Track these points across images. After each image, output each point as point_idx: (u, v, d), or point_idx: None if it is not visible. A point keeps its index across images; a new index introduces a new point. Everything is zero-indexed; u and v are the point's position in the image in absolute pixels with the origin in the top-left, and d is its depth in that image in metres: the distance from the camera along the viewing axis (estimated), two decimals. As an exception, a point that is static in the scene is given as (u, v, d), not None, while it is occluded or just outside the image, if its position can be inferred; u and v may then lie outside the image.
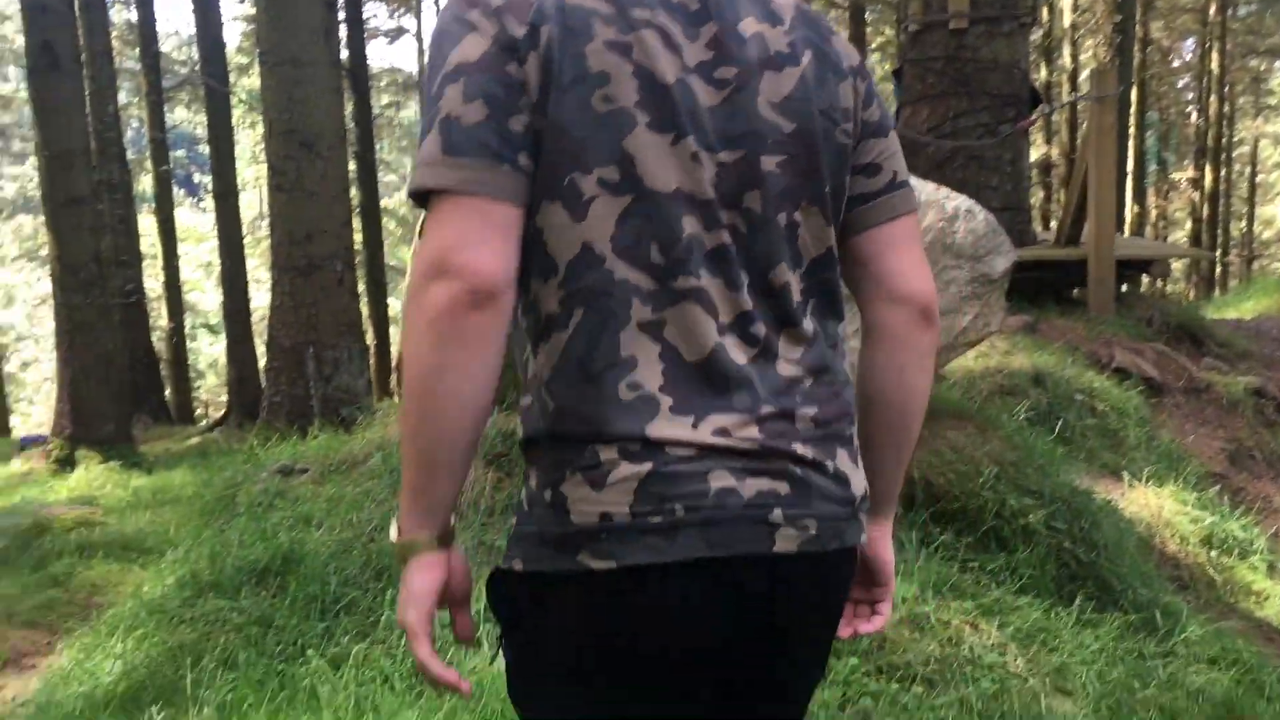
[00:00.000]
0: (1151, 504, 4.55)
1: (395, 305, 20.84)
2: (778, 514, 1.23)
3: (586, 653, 1.25)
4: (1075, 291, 7.56)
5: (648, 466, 1.20)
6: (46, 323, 29.01)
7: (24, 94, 21.79)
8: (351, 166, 17.44)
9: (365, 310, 18.48)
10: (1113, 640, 3.29)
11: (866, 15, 23.51)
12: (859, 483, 1.32)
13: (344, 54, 16.95)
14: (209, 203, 27.47)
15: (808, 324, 1.31)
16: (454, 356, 1.19)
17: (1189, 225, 28.23)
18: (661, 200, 1.23)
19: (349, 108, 17.17)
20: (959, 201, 3.93)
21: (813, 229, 1.32)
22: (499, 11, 1.24)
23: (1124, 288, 7.95)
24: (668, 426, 1.21)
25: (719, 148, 1.26)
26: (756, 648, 1.28)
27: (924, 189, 3.94)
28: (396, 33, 28.10)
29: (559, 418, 1.24)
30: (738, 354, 1.25)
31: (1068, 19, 20.56)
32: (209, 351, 34.42)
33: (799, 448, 1.25)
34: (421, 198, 1.23)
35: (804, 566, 1.26)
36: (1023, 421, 4.70)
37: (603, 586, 1.21)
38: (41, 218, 15.61)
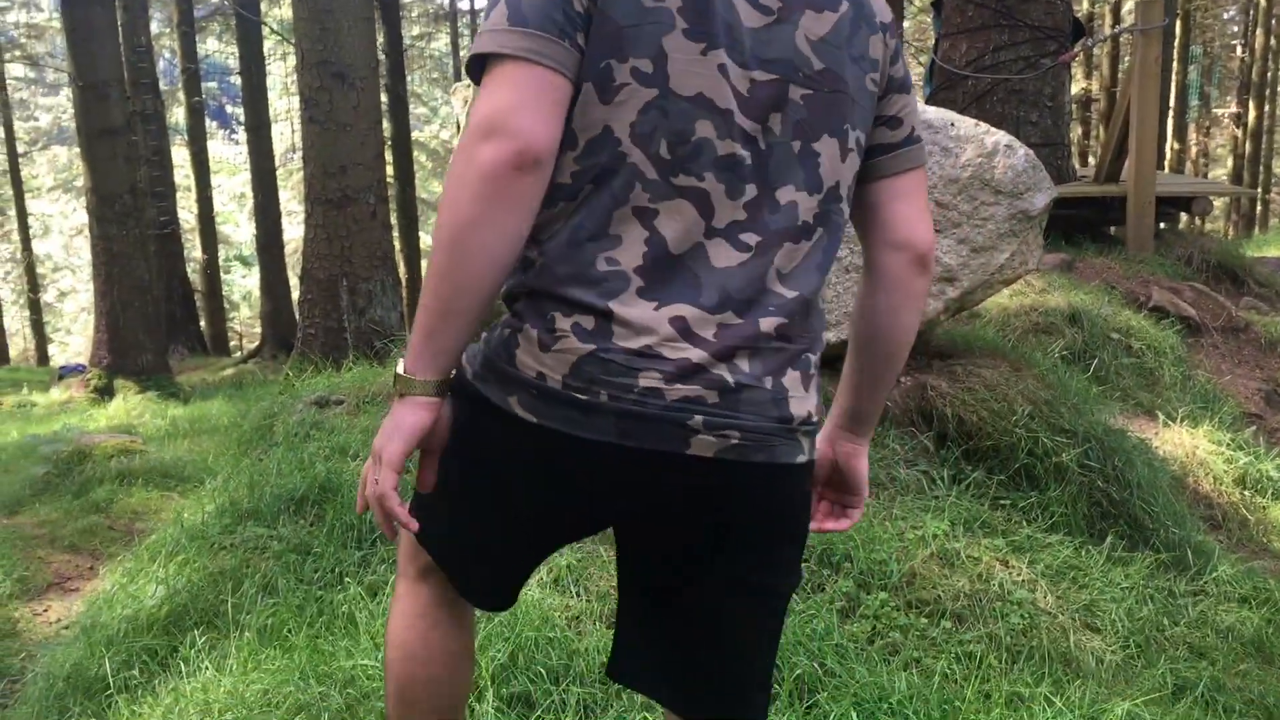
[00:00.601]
0: (1186, 444, 4.53)
1: (426, 239, 20.85)
2: (698, 420, 1.34)
3: (486, 470, 1.43)
4: (1113, 229, 7.46)
5: (590, 347, 1.32)
6: (83, 253, 29.29)
7: (57, 23, 21.77)
8: (383, 99, 17.36)
9: (398, 244, 18.53)
10: (1143, 578, 3.30)
11: (905, -56, 23.02)
12: (802, 406, 1.41)
13: (375, -17, 16.78)
14: (241, 135, 27.49)
15: (806, 245, 1.40)
16: (493, 213, 1.29)
17: (1230, 162, 27.69)
18: (681, 101, 1.33)
19: (380, 39, 17.05)
20: (998, 137, 3.88)
21: (830, 160, 1.41)
22: None
23: (1163, 225, 7.84)
24: (631, 306, 1.32)
25: (753, 66, 1.36)
26: (680, 534, 1.43)
27: (963, 124, 3.88)
28: (426, -38, 27.80)
29: (539, 275, 1.36)
30: (723, 257, 1.36)
31: (1113, -52, 20.02)
32: (242, 283, 34.67)
33: (743, 361, 1.36)
34: (479, 65, 1.33)
35: (725, 471, 1.37)
36: (1057, 360, 4.67)
37: (524, 432, 1.36)
38: (76, 148, 15.68)
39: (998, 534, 3.35)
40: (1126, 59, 18.32)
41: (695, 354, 1.33)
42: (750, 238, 1.37)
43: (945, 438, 3.80)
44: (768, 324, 1.37)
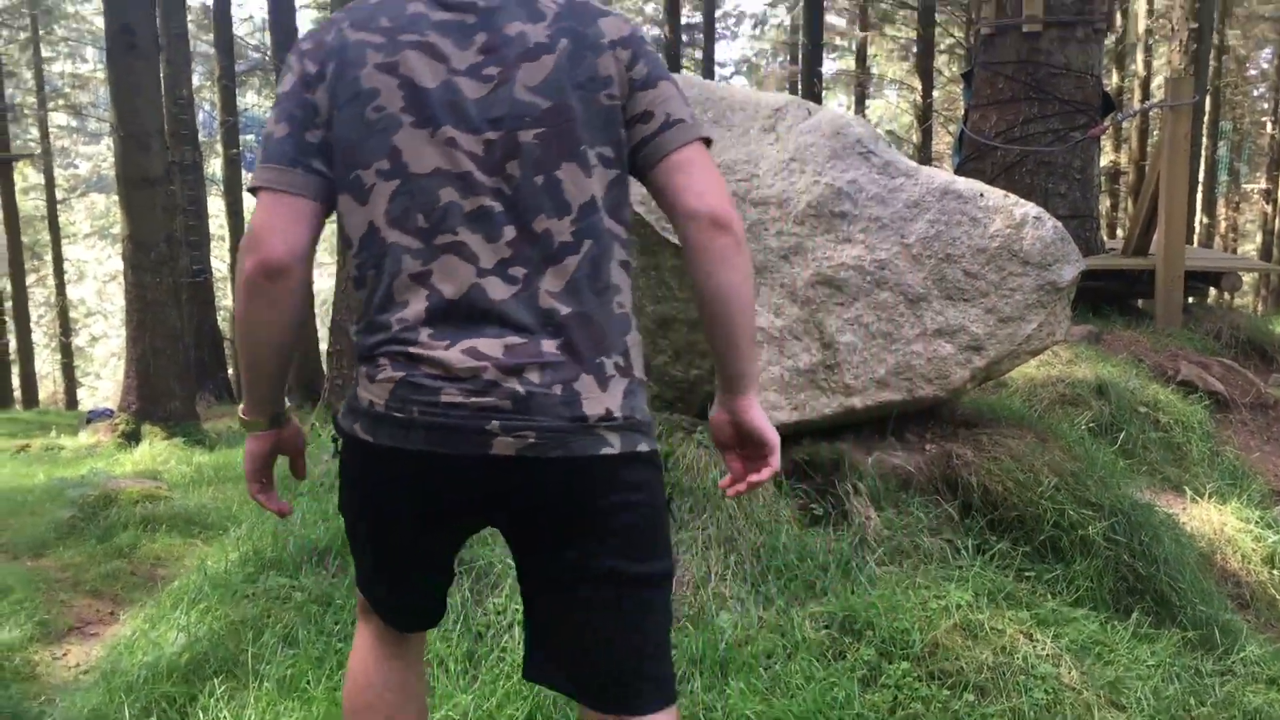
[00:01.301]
0: (1214, 520, 4.48)
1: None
2: (495, 424, 1.60)
3: (355, 492, 1.75)
4: (1141, 302, 7.45)
5: (401, 374, 1.62)
6: (116, 299, 29.65)
7: (101, 74, 22.24)
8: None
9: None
10: (1169, 656, 3.25)
11: (936, 15, 23.27)
12: (598, 405, 1.63)
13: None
14: (276, 186, 27.64)
15: (573, 261, 1.65)
16: (256, 311, 1.67)
17: (1259, 238, 27.63)
18: (421, 180, 1.63)
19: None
20: (1027, 209, 3.90)
21: (575, 182, 1.65)
22: (302, 55, 1.70)
23: (1191, 300, 7.82)
24: (424, 348, 1.62)
25: (484, 129, 1.64)
26: (515, 527, 1.70)
27: (992, 195, 3.91)
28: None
29: (359, 344, 1.69)
30: (497, 291, 1.63)
31: (1142, 25, 20.19)
32: (271, 333, 34.87)
33: (530, 373, 1.61)
34: (254, 193, 1.67)
35: (526, 467, 1.61)
36: (1084, 432, 4.65)
37: (366, 450, 1.67)
38: (114, 196, 15.93)
39: (1022, 606, 3.32)
40: (1156, 133, 18.37)
41: (489, 373, 1.60)
42: (518, 270, 1.63)
43: (970, 507, 3.78)
44: (549, 344, 1.63)
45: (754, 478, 1.79)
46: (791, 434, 3.79)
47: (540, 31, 1.67)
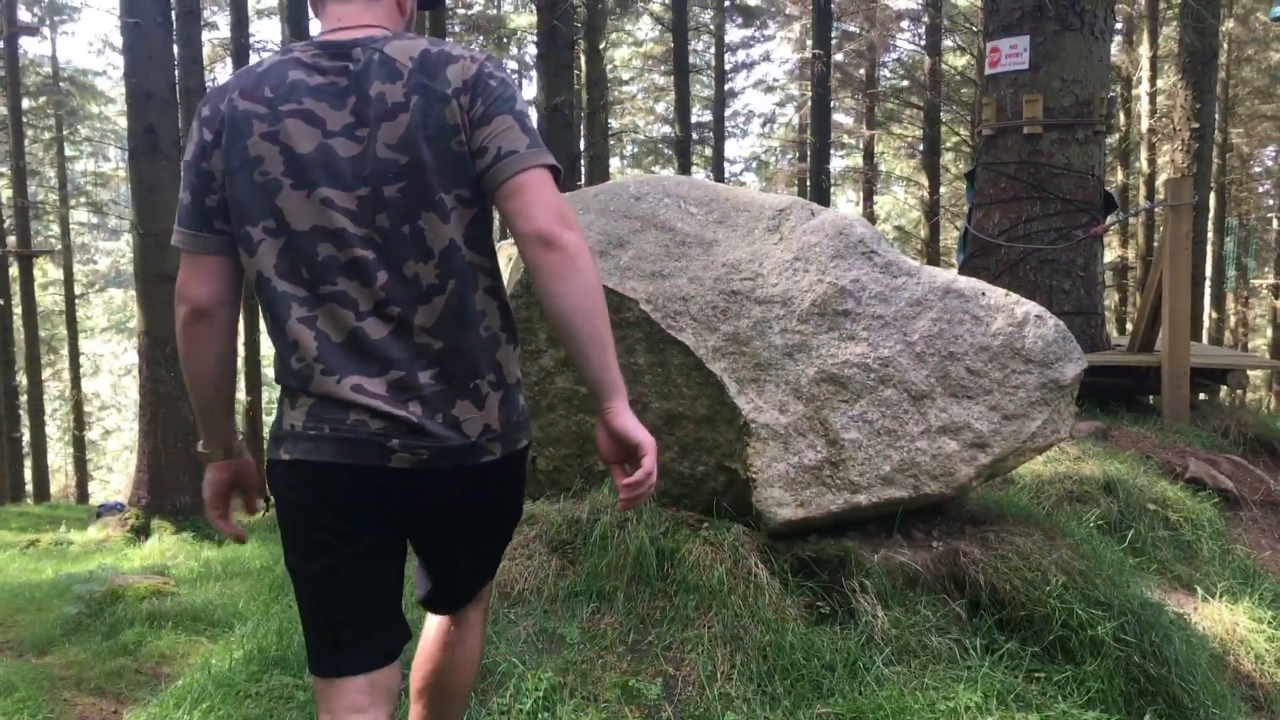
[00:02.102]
0: (1225, 620, 4.43)
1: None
2: (395, 443, 1.88)
3: (285, 508, 1.98)
4: (1150, 398, 7.46)
5: (313, 400, 1.89)
6: (130, 393, 29.83)
7: (123, 173, 22.69)
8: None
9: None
10: (1183, 761, 3.20)
11: (942, 115, 23.72)
12: (477, 424, 1.93)
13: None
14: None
15: (440, 300, 1.89)
16: (189, 349, 2.00)
17: (1270, 332, 27.66)
18: (302, 236, 1.87)
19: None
20: (1028, 307, 3.95)
21: (434, 229, 1.88)
22: (201, 123, 1.93)
23: (1202, 396, 7.82)
24: (320, 383, 1.88)
25: (356, 187, 1.87)
26: (408, 522, 2.02)
27: (993, 294, 3.96)
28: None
29: (278, 377, 1.96)
30: (376, 331, 1.88)
31: (1145, 124, 20.52)
32: (282, 426, 34.99)
33: (413, 405, 1.89)
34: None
35: (422, 477, 1.91)
36: (1092, 529, 4.63)
37: (287, 468, 1.92)
38: (132, 291, 16.12)
39: (1032, 708, 3.28)
40: (1161, 228, 18.56)
41: (379, 405, 1.87)
42: (393, 310, 1.88)
43: (978, 605, 3.75)
44: (425, 375, 1.90)
45: (627, 480, 1.91)
46: (797, 531, 3.79)
47: (398, 91, 1.87)
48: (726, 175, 30.50)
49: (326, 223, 1.86)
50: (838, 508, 3.75)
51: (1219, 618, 4.43)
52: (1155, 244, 19.73)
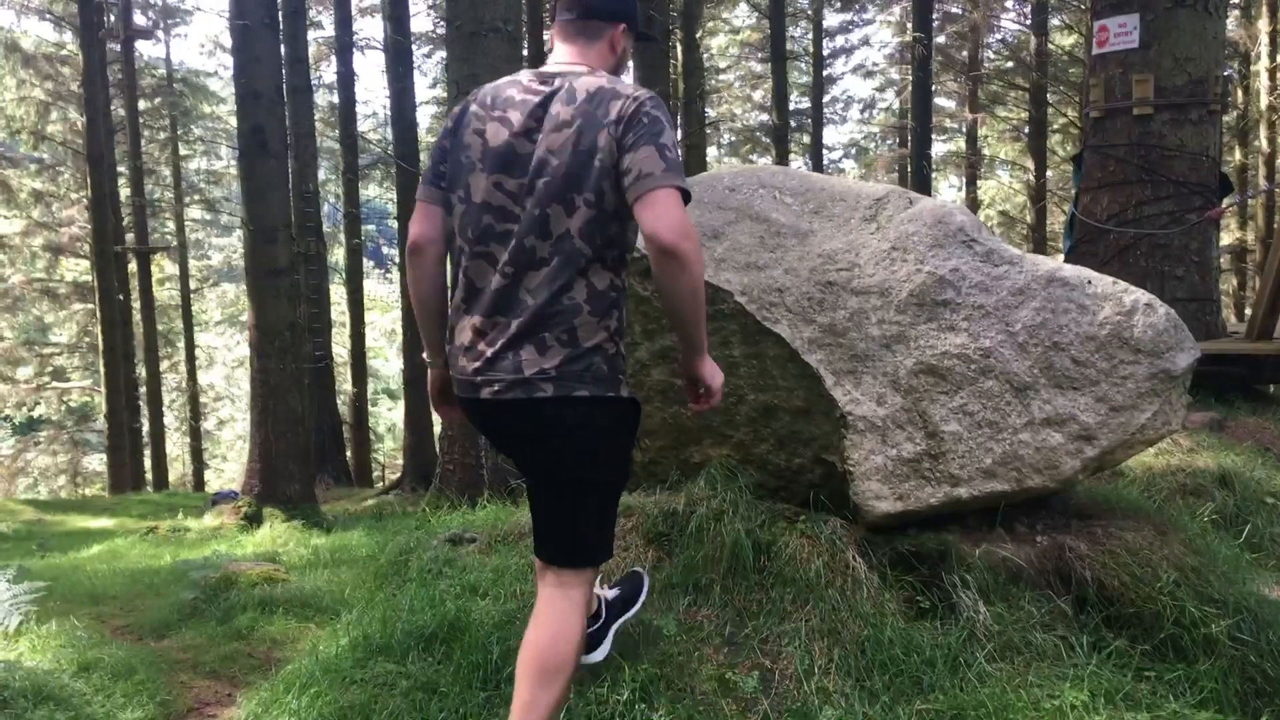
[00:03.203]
0: (1350, 619, 4.24)
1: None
2: (480, 380, 2.57)
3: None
4: (1270, 388, 7.17)
5: (452, 344, 2.68)
6: (243, 384, 30.76)
7: (234, 171, 23.38)
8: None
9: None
10: (1302, 765, 3.08)
11: (1049, 96, 23.10)
12: (534, 365, 2.50)
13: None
14: (395, 274, 28.66)
15: (546, 270, 2.50)
16: (411, 275, 2.77)
17: (1402, 317, 26.35)
18: (475, 206, 2.59)
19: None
20: (1137, 295, 3.82)
21: (558, 218, 2.49)
22: (452, 114, 2.74)
23: (1324, 384, 7.49)
24: (458, 319, 2.64)
25: (520, 176, 2.54)
26: (511, 450, 2.75)
27: (1100, 282, 3.85)
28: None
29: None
30: (497, 284, 2.54)
31: (1264, 101, 19.69)
32: (388, 416, 35.80)
33: (499, 342, 2.53)
34: None
35: (498, 406, 2.56)
36: (1206, 524, 4.48)
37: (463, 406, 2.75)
38: (243, 285, 16.63)
39: (1142, 708, 3.18)
40: (1282, 211, 17.84)
41: (479, 346, 2.56)
42: (509, 269, 2.52)
43: (1084, 602, 3.66)
44: (516, 323, 2.51)
45: (695, 406, 2.74)
46: (896, 524, 3.74)
47: (569, 112, 2.51)
48: (825, 162, 30.16)
49: (493, 199, 2.55)
50: (937, 501, 3.69)
51: (1343, 616, 4.25)
52: (1275, 226, 18.94)
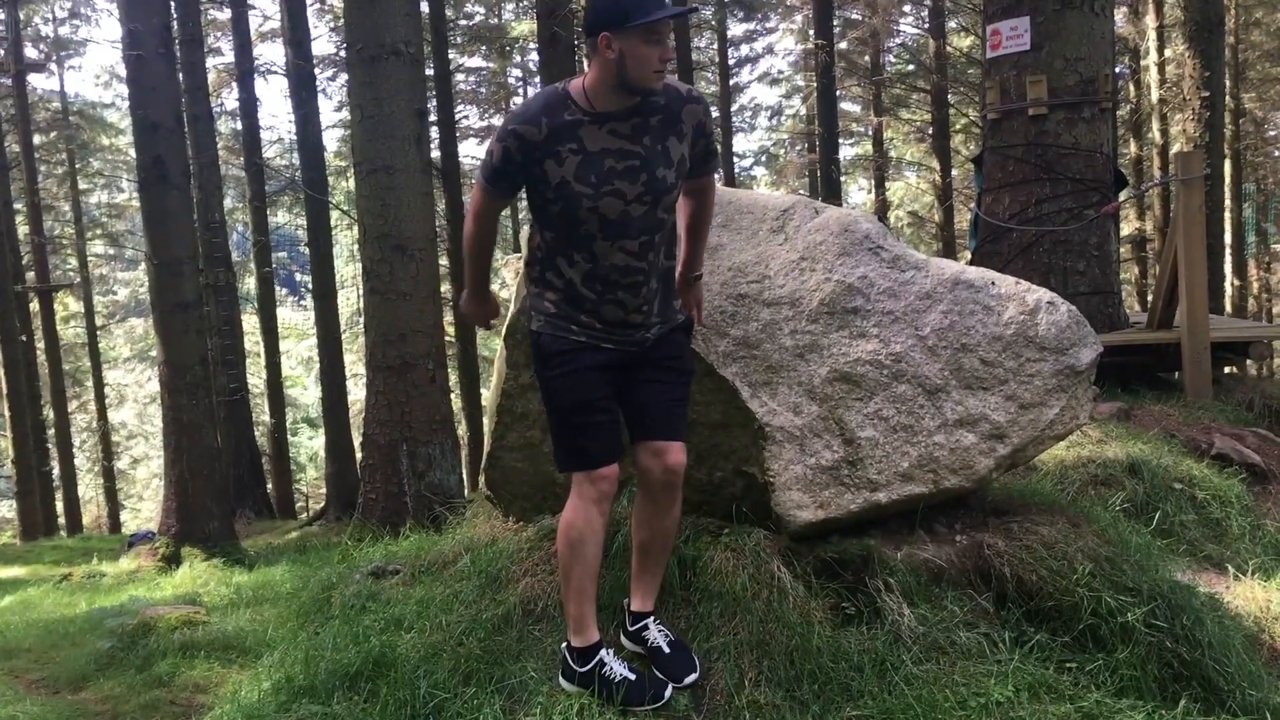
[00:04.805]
0: (1259, 598, 4.38)
1: (486, 394, 21.12)
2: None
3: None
4: (1173, 375, 7.39)
5: None
6: (156, 420, 29.98)
7: (137, 203, 22.84)
8: (444, 262, 17.89)
9: (458, 403, 18.79)
10: (1220, 745, 3.16)
11: (949, 97, 23.58)
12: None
13: (436, 154, 17.49)
14: (310, 300, 28.23)
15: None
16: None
17: (1295, 297, 27.37)
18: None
19: (440, 205, 17.68)
20: (1040, 294, 3.91)
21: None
22: None
23: (1225, 370, 7.74)
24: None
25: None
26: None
27: (1003, 283, 3.93)
28: (487, 131, 28.93)
29: None
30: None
31: (1155, 94, 20.34)
32: (309, 445, 35.20)
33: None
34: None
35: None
36: (1118, 513, 4.58)
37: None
38: (151, 319, 16.24)
39: (1065, 699, 3.25)
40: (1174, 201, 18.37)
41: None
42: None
43: (1005, 598, 3.72)
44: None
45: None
46: (819, 532, 3.77)
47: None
48: (736, 170, 30.43)
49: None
50: (858, 507, 3.73)
51: (1252, 596, 4.39)
52: (1172, 212, 19.54)
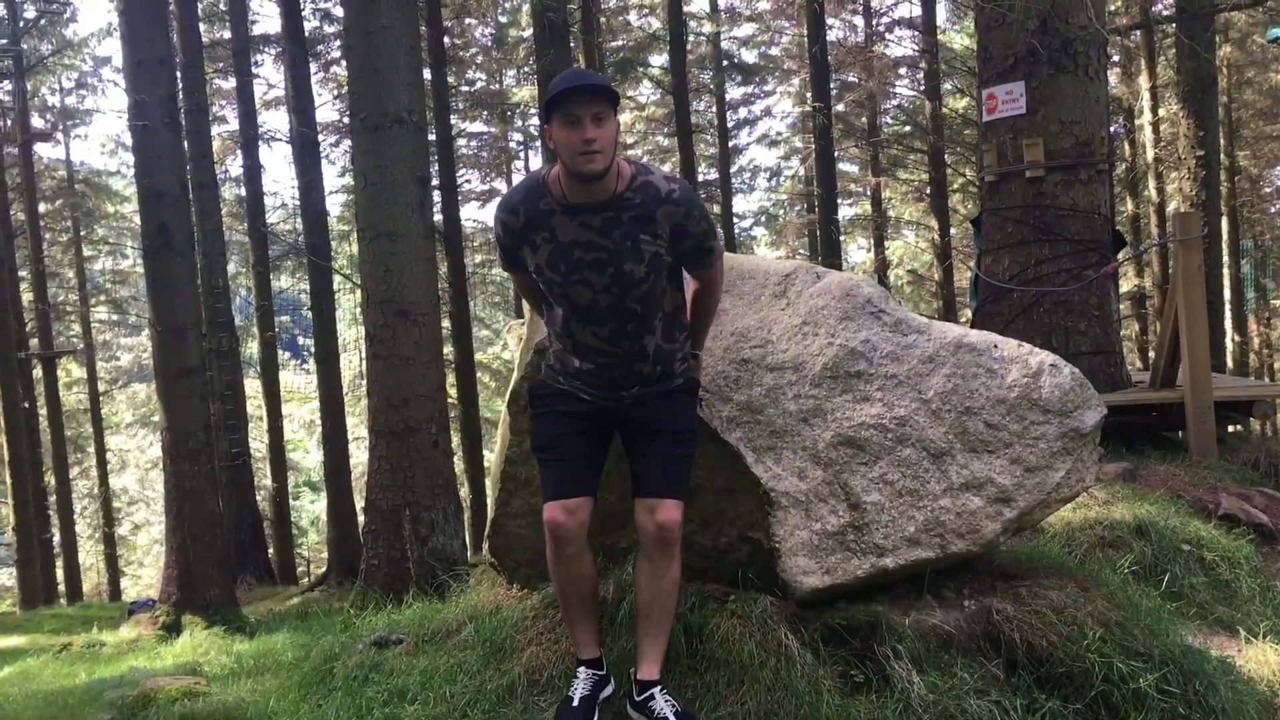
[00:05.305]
0: (1271, 661, 4.33)
1: (489, 458, 21.06)
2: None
3: None
4: (1178, 434, 7.37)
5: None
6: (157, 485, 29.89)
7: (140, 269, 22.99)
8: (446, 325, 17.94)
9: (461, 465, 18.74)
10: (1237, 814, 3.11)
11: (946, 157, 23.80)
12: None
13: (438, 218, 17.62)
14: (312, 364, 28.27)
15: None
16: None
17: (1296, 352, 27.38)
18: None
19: (443, 268, 17.77)
20: (1042, 357, 3.91)
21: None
22: None
23: (1230, 429, 7.72)
24: None
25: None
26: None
27: (1006, 346, 3.93)
28: (488, 195, 29.21)
29: None
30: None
31: (1150, 153, 20.53)
32: (311, 509, 35.05)
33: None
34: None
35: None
36: (1127, 576, 4.55)
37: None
38: (154, 385, 16.26)
39: (1078, 768, 3.20)
40: (1173, 261, 18.43)
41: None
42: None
43: (1015, 664, 3.68)
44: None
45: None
46: (826, 598, 3.74)
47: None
48: (736, 231, 30.62)
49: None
50: (864, 572, 3.70)
51: (1264, 659, 4.33)
52: (1171, 271, 19.61)
